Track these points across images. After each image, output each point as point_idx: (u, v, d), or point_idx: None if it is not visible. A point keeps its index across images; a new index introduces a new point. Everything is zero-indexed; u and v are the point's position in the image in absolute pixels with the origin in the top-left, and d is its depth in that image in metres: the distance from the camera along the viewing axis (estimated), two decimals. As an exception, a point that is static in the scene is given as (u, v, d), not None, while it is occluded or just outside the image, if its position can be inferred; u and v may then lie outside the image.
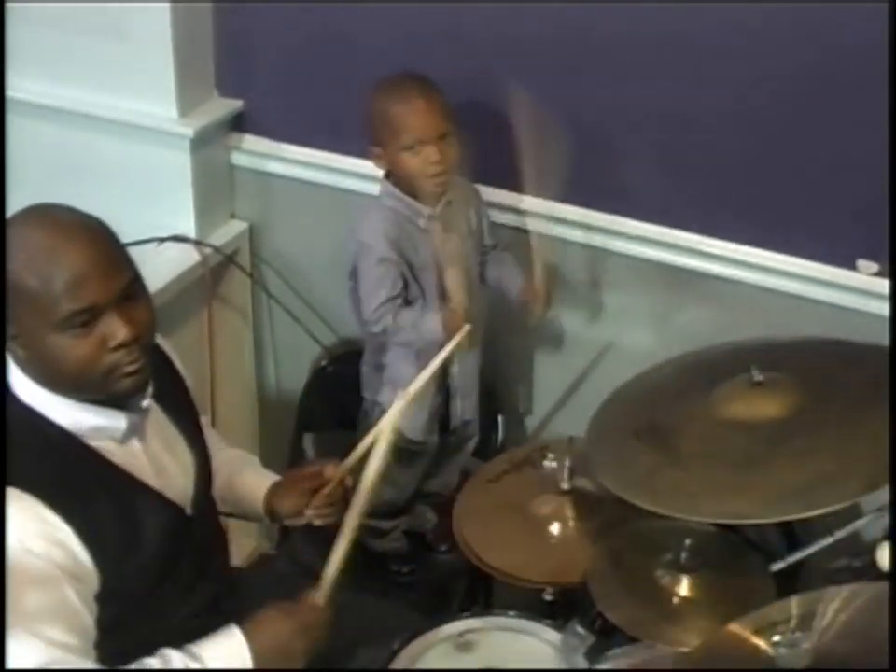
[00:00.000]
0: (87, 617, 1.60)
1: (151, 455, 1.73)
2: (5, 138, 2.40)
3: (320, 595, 1.77)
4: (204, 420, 1.97)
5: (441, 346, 2.17)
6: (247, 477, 2.01)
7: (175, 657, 1.62)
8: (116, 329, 1.58)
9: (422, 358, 2.31)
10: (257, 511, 1.97)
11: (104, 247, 1.60)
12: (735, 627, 1.55)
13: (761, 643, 1.51)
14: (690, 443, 1.92)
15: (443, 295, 2.27)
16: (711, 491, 1.82)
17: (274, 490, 1.96)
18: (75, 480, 1.62)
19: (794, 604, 1.53)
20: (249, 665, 1.65)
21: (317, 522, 1.93)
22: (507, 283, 2.37)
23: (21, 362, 1.62)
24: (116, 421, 1.66)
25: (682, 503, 1.82)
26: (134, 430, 1.69)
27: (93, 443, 1.65)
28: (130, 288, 1.61)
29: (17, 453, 1.57)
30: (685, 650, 1.73)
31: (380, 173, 2.32)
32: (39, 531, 1.55)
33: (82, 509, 1.59)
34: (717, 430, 1.91)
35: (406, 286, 2.27)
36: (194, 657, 1.63)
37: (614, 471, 1.95)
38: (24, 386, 1.63)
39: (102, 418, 1.65)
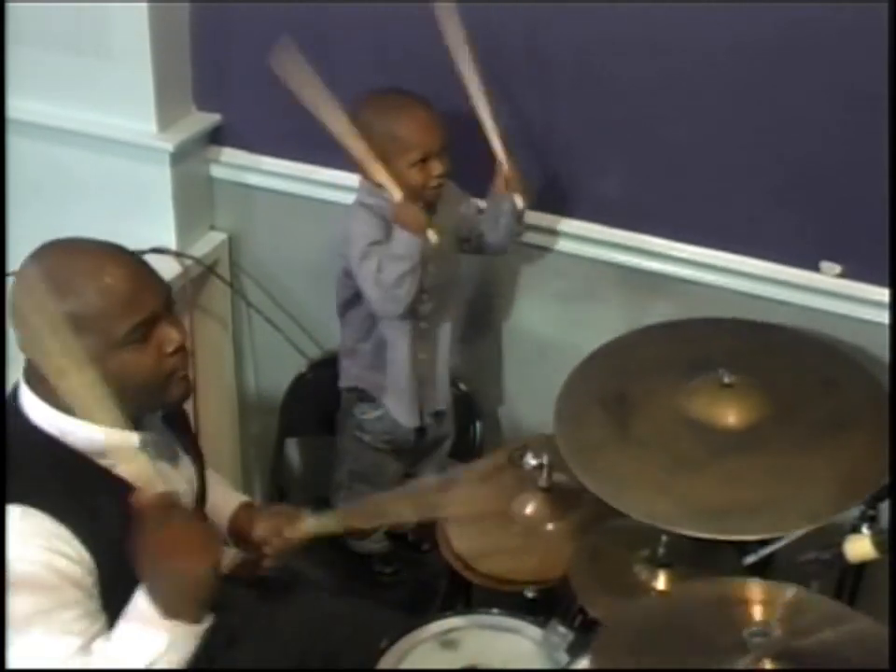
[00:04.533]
0: (97, 614, 1.64)
1: (158, 469, 1.75)
2: (5, 155, 2.44)
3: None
4: None
5: (415, 247, 2.17)
6: (221, 496, 2.02)
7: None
8: (171, 334, 1.66)
9: (411, 335, 2.37)
10: (220, 528, 1.99)
11: (140, 262, 1.69)
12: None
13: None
14: (643, 427, 1.95)
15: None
16: (640, 483, 1.86)
17: (246, 514, 1.99)
18: (82, 494, 1.64)
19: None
20: (154, 613, 1.57)
21: (267, 563, 1.95)
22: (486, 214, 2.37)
23: (58, 393, 1.61)
24: (128, 438, 1.68)
25: (610, 487, 1.86)
26: (145, 448, 1.71)
27: (103, 462, 1.68)
28: (170, 297, 1.70)
29: (25, 471, 1.61)
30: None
31: (355, 182, 2.36)
32: (48, 546, 1.58)
33: (89, 521, 1.62)
34: (672, 422, 1.94)
35: None
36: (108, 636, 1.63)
37: (568, 432, 1.98)
38: (34, 408, 1.66)
39: (115, 437, 1.66)
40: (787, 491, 1.82)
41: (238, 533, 1.98)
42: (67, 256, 1.65)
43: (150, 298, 1.64)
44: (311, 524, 1.95)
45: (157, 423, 1.78)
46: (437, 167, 2.24)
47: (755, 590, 1.59)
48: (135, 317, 1.62)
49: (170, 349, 1.66)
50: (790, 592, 1.56)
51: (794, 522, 1.75)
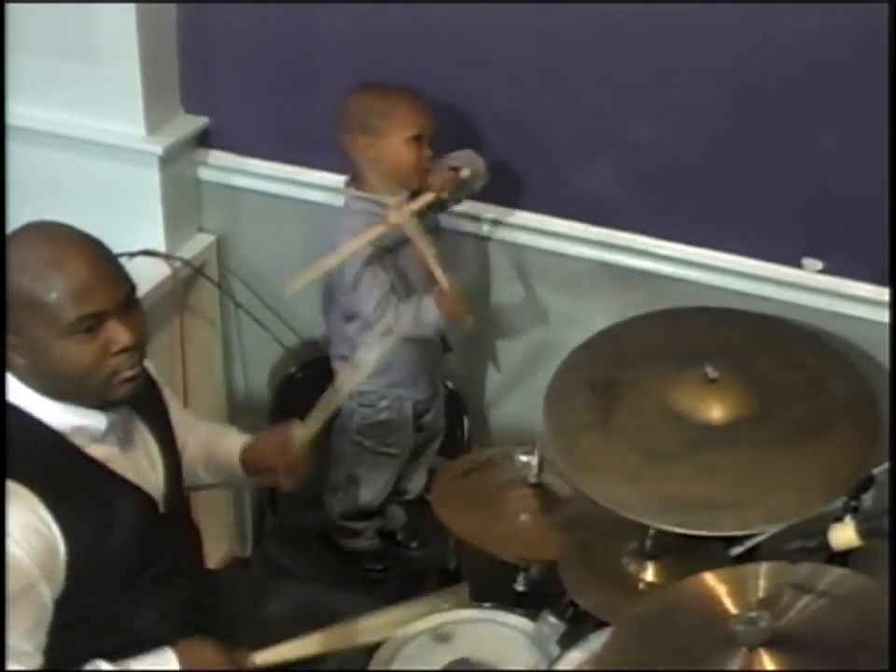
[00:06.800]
0: (43, 620, 1.66)
1: (127, 454, 1.80)
2: (5, 159, 2.45)
3: (258, 656, 1.81)
4: (176, 404, 2.03)
5: (441, 329, 2.28)
6: (225, 440, 2.08)
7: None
8: (119, 334, 1.66)
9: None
10: (234, 470, 2.04)
11: (105, 258, 1.69)
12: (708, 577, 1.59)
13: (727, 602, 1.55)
14: (626, 414, 1.97)
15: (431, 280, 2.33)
16: (615, 470, 1.89)
17: (249, 448, 2.03)
18: (56, 472, 1.68)
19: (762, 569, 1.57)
20: None
21: (286, 484, 2.00)
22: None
23: (19, 370, 1.68)
24: (96, 421, 1.73)
25: (587, 473, 1.89)
26: (113, 430, 1.76)
27: (74, 441, 1.72)
28: (129, 298, 1.70)
29: (6, 448, 1.64)
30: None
31: (341, 184, 2.39)
32: (27, 522, 1.62)
33: (63, 499, 1.65)
34: (654, 412, 1.95)
35: (393, 280, 2.33)
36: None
37: (554, 412, 2.02)
38: (10, 386, 1.69)
39: (83, 418, 1.72)
40: (754, 491, 1.84)
41: (251, 466, 2.02)
42: (35, 240, 1.67)
43: (104, 293, 1.64)
44: (305, 428, 2.00)
45: (126, 410, 1.80)
46: (428, 150, 2.29)
47: (730, 577, 1.59)
48: (83, 309, 1.63)
49: (115, 349, 1.66)
50: (763, 568, 1.56)
51: (757, 522, 1.78)
